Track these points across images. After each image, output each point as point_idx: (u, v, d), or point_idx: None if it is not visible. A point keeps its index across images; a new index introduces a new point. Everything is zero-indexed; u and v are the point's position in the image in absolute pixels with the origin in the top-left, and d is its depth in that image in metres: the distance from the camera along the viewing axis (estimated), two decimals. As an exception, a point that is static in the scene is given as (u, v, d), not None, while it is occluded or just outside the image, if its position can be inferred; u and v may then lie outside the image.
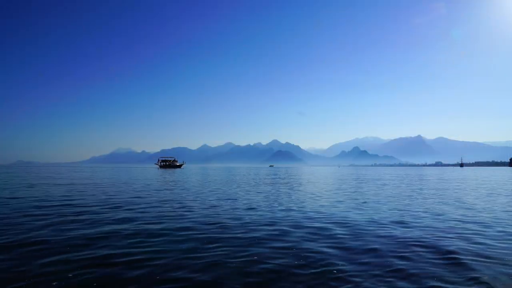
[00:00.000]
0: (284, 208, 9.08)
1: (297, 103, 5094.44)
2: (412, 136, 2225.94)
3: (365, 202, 10.52)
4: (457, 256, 4.38)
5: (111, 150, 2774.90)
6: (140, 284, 3.36)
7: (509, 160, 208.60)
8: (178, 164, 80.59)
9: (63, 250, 4.58)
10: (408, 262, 4.10)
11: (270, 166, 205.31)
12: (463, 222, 7.06)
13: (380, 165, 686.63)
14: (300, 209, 8.88)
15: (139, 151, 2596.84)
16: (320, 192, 14.29)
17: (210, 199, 11.32)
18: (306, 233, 5.77)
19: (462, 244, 5.05)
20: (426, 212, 8.52)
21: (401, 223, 6.84)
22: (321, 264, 4.03)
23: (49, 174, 37.05)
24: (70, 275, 3.59)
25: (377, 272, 3.73)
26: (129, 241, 5.13)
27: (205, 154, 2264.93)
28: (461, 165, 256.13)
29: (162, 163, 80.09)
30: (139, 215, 7.71)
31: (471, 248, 4.81)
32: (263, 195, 13.03)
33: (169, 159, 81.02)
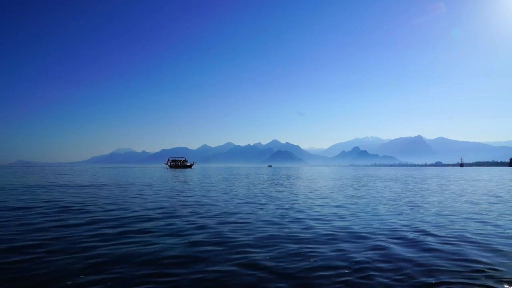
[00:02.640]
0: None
1: (297, 103, 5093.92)
2: (412, 136, 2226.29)
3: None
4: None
5: (111, 150, 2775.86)
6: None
7: (509, 160, 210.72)
8: (188, 164, 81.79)
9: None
10: None
11: (268, 166, 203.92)
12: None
13: (380, 165, 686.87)
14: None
15: (139, 151, 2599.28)
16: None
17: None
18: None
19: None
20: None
21: None
22: None
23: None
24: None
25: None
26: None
27: (205, 154, 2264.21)
28: (461, 165, 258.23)
29: (172, 163, 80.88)
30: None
31: None
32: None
33: (179, 159, 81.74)
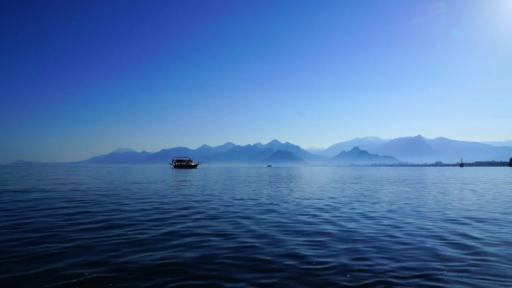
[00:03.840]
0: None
1: (297, 103, 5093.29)
2: (412, 136, 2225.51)
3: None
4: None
5: (111, 150, 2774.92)
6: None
7: (509, 160, 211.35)
8: (193, 164, 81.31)
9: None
10: None
11: (268, 166, 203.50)
12: None
13: (380, 165, 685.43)
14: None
15: (139, 151, 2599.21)
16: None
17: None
18: None
19: None
20: None
21: None
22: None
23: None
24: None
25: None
26: None
27: (205, 154, 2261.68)
28: (461, 165, 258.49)
29: (176, 163, 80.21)
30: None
31: None
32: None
33: (184, 159, 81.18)
